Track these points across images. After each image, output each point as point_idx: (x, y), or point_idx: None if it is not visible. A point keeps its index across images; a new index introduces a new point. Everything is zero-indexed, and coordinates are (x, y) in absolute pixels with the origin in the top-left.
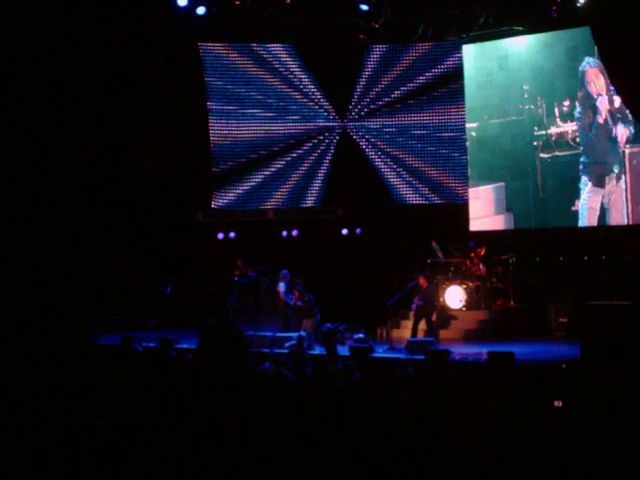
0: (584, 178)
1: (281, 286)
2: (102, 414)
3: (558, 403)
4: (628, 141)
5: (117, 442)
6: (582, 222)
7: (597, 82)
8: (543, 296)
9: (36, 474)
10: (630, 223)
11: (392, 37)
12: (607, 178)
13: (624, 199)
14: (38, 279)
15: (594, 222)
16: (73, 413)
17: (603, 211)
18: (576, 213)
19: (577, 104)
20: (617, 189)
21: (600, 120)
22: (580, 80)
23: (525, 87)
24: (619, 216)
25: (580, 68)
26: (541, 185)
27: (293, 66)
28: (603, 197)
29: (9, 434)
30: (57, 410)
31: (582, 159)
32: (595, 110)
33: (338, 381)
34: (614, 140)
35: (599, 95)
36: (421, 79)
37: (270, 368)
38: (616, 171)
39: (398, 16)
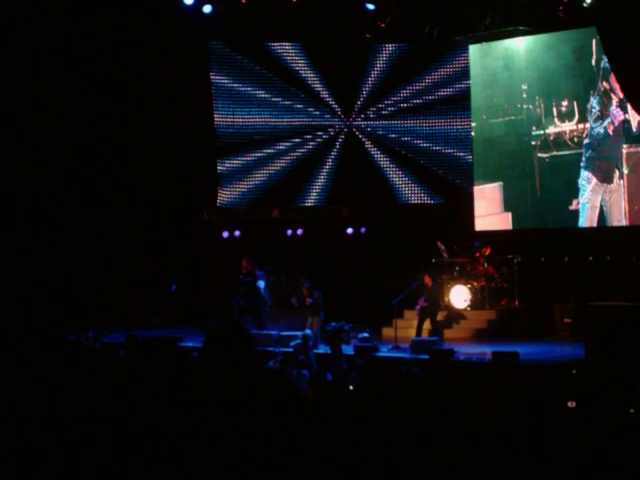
0: (587, 175)
1: (260, 283)
2: (101, 409)
3: (572, 404)
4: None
5: (118, 439)
6: (582, 221)
7: None
8: (548, 296)
9: (36, 471)
10: (628, 224)
11: (398, 36)
12: (614, 175)
13: (622, 199)
14: (42, 277)
15: (595, 221)
16: (68, 410)
17: (602, 210)
18: (574, 213)
19: (592, 98)
20: (618, 188)
21: (616, 114)
22: (604, 74)
23: (524, 87)
24: (619, 215)
25: (603, 63)
26: (539, 185)
27: (299, 65)
28: (604, 196)
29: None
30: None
31: (588, 154)
32: (611, 104)
33: (344, 380)
34: (625, 136)
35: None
36: (427, 79)
37: (274, 366)
38: (624, 170)
39: (404, 15)
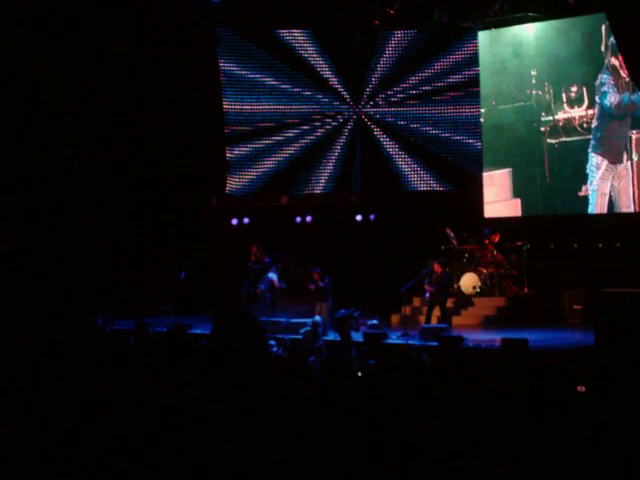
0: (595, 161)
1: (273, 276)
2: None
3: (581, 388)
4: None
5: (127, 429)
6: (592, 208)
7: None
8: (557, 283)
9: (42, 462)
10: (637, 210)
11: (407, 23)
12: (623, 156)
13: (631, 185)
14: (52, 265)
15: (604, 208)
16: (79, 402)
17: (611, 197)
18: (583, 199)
19: (601, 74)
20: (627, 174)
21: (623, 91)
22: (613, 51)
23: (533, 73)
24: (628, 202)
25: (612, 40)
26: (548, 171)
27: (308, 52)
28: (612, 182)
29: (15, 424)
30: (62, 399)
31: (597, 135)
32: (619, 80)
33: (352, 366)
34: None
35: None
36: (436, 65)
37: (283, 354)
38: (634, 157)
39: (413, 2)
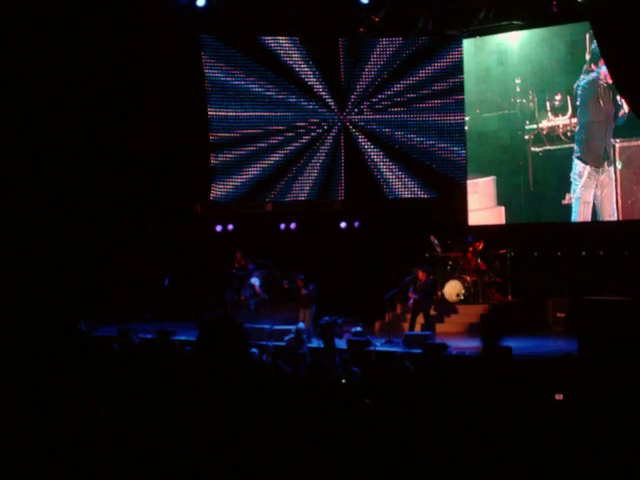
0: (579, 170)
1: (256, 281)
2: (100, 407)
3: (559, 396)
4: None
5: (114, 435)
6: (575, 216)
7: None
8: (541, 291)
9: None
10: (620, 219)
11: (392, 31)
12: (605, 163)
13: (614, 194)
14: (34, 272)
15: (588, 216)
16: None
17: (594, 205)
18: (567, 207)
19: (582, 75)
20: (610, 182)
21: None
22: (592, 58)
23: (517, 81)
24: (611, 210)
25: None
26: (532, 179)
27: (292, 59)
28: (595, 191)
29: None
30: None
31: (580, 137)
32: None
33: (336, 373)
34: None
35: None
36: (421, 73)
37: (267, 360)
38: (617, 165)
39: (398, 9)
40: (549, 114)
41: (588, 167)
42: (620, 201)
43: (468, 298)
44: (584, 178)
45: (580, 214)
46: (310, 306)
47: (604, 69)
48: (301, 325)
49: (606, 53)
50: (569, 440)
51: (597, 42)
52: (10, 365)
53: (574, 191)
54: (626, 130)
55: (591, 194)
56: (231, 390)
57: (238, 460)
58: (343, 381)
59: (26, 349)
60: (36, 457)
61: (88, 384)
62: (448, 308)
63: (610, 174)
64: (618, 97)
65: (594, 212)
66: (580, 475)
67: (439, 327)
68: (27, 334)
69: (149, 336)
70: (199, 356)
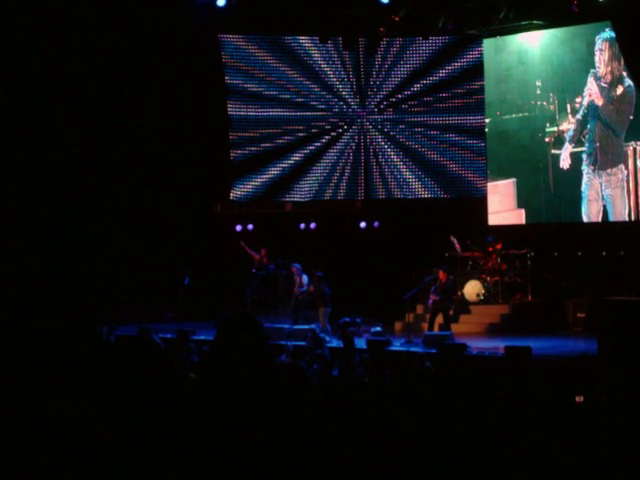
0: (588, 166)
1: (304, 278)
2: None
3: (579, 398)
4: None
5: (119, 436)
6: (587, 218)
7: None
8: (561, 291)
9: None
10: (637, 218)
11: (412, 30)
12: (616, 163)
13: (624, 195)
14: (57, 271)
15: (599, 217)
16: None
17: (605, 206)
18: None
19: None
20: (619, 183)
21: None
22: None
23: (538, 83)
24: (623, 210)
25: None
26: (552, 180)
27: (312, 58)
28: (606, 190)
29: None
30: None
31: (590, 137)
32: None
33: (356, 373)
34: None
35: None
36: (441, 72)
37: (287, 360)
38: (638, 163)
39: (418, 9)
40: (569, 116)
41: (597, 167)
42: (634, 201)
43: (488, 298)
44: (594, 178)
45: (592, 215)
46: (324, 305)
47: None
48: (313, 325)
49: (627, 53)
50: (589, 441)
51: (618, 41)
52: (25, 367)
53: (584, 192)
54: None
55: (599, 194)
56: (249, 388)
57: (254, 458)
58: (366, 380)
59: (43, 351)
60: (45, 463)
61: (104, 387)
62: (468, 308)
63: (620, 175)
64: (629, 98)
65: (605, 213)
66: (600, 475)
67: (459, 327)
68: (45, 336)
69: (169, 335)
70: (216, 354)
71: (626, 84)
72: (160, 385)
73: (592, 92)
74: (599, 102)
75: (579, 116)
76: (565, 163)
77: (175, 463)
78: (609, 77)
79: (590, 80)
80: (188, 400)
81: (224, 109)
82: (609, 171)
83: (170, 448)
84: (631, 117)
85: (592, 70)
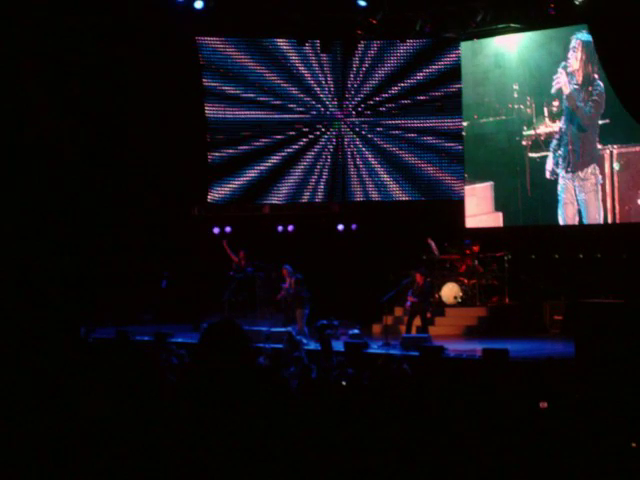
0: (562, 170)
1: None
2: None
3: (543, 404)
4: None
5: (109, 440)
6: (562, 220)
7: None
8: (538, 293)
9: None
10: (617, 222)
11: (390, 33)
12: (589, 167)
13: (599, 197)
14: (32, 274)
15: (575, 220)
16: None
17: (580, 210)
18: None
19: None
20: (593, 187)
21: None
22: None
23: (515, 86)
24: (597, 214)
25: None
26: (529, 183)
27: (290, 61)
28: (580, 194)
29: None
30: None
31: (564, 140)
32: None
33: (332, 376)
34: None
35: None
36: (419, 75)
37: (265, 363)
38: (615, 167)
39: (396, 12)
40: (547, 120)
41: (571, 170)
42: (618, 206)
43: (465, 300)
44: (568, 182)
45: (567, 218)
46: (303, 306)
47: None
48: (290, 328)
49: (604, 56)
50: (564, 442)
51: (595, 45)
52: (6, 369)
53: (559, 195)
54: (625, 136)
55: (574, 197)
56: (233, 393)
57: (239, 461)
58: (343, 383)
59: (23, 352)
60: (34, 459)
61: (85, 387)
62: (445, 311)
63: (593, 180)
64: (600, 100)
65: (580, 215)
66: (576, 476)
67: (437, 330)
68: (25, 337)
69: (146, 338)
70: (201, 359)
71: (597, 85)
72: (142, 386)
73: (560, 81)
74: (566, 90)
75: (561, 124)
76: (550, 173)
77: (158, 464)
78: (581, 78)
79: (560, 70)
80: (170, 403)
81: (202, 111)
82: (582, 175)
83: (153, 449)
84: (607, 121)
85: (563, 63)
